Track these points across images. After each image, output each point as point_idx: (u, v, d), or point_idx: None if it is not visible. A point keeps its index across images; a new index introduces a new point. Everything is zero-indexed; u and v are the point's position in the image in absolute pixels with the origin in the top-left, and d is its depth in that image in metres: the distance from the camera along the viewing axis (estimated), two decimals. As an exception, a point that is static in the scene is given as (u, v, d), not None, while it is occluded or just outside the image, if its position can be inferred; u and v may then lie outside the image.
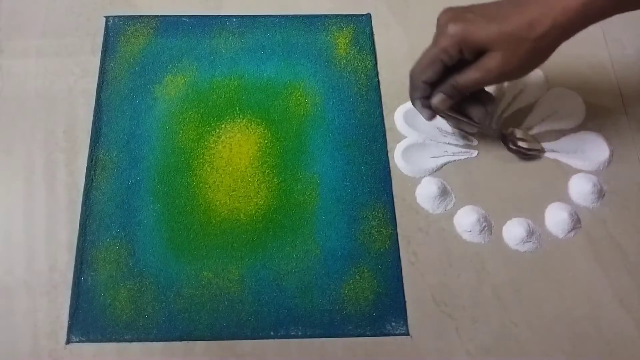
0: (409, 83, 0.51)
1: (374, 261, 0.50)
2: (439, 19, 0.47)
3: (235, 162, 0.54)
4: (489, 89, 0.52)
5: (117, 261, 0.50)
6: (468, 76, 0.47)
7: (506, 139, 0.54)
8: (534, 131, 0.56)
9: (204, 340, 0.48)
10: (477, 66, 0.46)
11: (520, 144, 0.54)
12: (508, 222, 0.52)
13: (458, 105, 0.50)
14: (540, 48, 0.44)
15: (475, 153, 0.55)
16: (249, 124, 0.56)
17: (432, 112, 0.51)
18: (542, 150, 0.55)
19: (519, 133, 0.55)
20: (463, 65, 0.47)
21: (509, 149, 0.54)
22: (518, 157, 0.55)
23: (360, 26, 0.61)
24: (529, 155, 0.54)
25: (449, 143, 0.56)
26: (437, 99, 0.49)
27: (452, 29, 0.45)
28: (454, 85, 0.47)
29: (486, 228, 0.51)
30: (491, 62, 0.45)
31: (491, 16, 0.45)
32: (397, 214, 0.52)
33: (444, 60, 0.47)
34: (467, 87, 0.47)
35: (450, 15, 0.46)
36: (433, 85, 0.49)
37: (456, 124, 0.54)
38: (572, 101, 0.57)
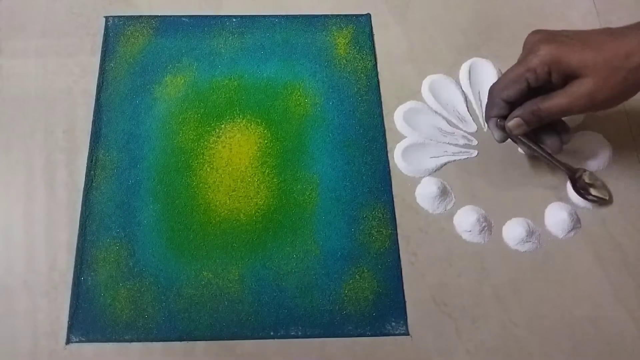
0: (487, 99, 0.49)
1: (374, 261, 0.50)
2: (527, 39, 0.46)
3: (235, 162, 0.54)
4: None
5: (117, 261, 0.50)
6: (553, 102, 0.45)
7: (575, 181, 0.52)
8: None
9: (204, 340, 0.48)
10: (566, 92, 0.44)
11: (591, 190, 0.52)
12: (508, 222, 0.52)
13: (533, 132, 0.49)
14: (634, 80, 0.43)
15: (475, 153, 0.55)
16: (249, 124, 0.56)
17: (505, 135, 0.49)
18: (610, 201, 0.53)
19: (587, 177, 0.52)
20: (545, 91, 0.45)
21: (576, 191, 0.52)
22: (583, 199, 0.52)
23: (360, 26, 0.61)
24: (598, 202, 0.52)
25: (448, 143, 0.56)
26: (513, 123, 0.47)
27: (545, 49, 0.44)
28: (535, 110, 0.46)
29: (486, 228, 0.51)
30: (581, 88, 0.43)
31: (586, 42, 0.43)
32: (397, 214, 0.52)
33: (530, 80, 0.45)
34: (550, 114, 0.46)
35: (543, 35, 0.45)
36: (511, 106, 0.48)
37: (528, 151, 0.52)
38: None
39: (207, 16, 0.61)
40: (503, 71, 0.51)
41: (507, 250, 0.51)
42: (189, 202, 0.52)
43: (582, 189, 0.52)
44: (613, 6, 0.63)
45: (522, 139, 0.49)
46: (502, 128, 0.49)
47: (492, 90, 0.49)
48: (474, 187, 0.54)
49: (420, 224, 0.52)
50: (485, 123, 0.54)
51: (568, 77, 0.44)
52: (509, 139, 0.50)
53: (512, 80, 0.47)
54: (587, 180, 0.52)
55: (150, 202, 0.52)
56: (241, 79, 0.58)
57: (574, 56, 0.43)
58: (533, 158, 0.54)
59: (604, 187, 0.53)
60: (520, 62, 0.46)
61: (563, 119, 0.50)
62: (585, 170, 0.53)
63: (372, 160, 0.54)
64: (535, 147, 0.50)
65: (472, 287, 0.50)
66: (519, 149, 0.54)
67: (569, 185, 0.53)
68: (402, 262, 0.50)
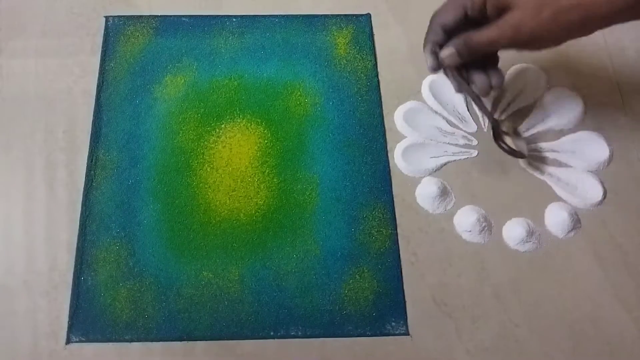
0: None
1: (374, 261, 0.50)
2: None
3: (235, 162, 0.54)
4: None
5: (117, 261, 0.50)
6: (483, 32, 0.45)
7: (495, 131, 0.53)
8: (534, 131, 0.56)
9: (204, 340, 0.48)
10: (496, 23, 0.45)
11: (506, 139, 0.52)
12: (508, 222, 0.52)
13: (466, 69, 0.49)
14: (565, 21, 0.42)
15: (475, 153, 0.55)
16: (249, 124, 0.56)
17: (437, 63, 0.49)
18: (523, 156, 0.52)
19: (505, 126, 0.53)
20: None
21: (495, 137, 0.53)
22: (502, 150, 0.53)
23: (360, 26, 0.61)
24: (510, 154, 0.52)
25: (448, 143, 0.56)
26: (446, 51, 0.48)
27: None
28: (467, 41, 0.46)
29: (486, 228, 0.51)
30: (509, 19, 0.44)
31: None
32: (397, 214, 0.52)
33: (467, 8, 0.46)
34: (480, 45, 0.46)
35: None
36: (448, 35, 0.48)
37: (458, 87, 0.51)
38: (572, 101, 0.57)
39: (207, 16, 0.61)
40: (503, 71, 0.51)
41: (507, 250, 0.51)
42: (189, 202, 0.52)
43: (498, 137, 0.52)
44: None
45: (452, 73, 0.49)
46: (436, 56, 0.49)
47: (432, 17, 0.49)
48: (474, 187, 0.54)
49: (420, 224, 0.52)
50: (486, 122, 0.54)
51: (501, 11, 0.45)
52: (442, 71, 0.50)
53: (450, 7, 0.47)
54: (504, 129, 0.53)
55: (150, 202, 0.52)
56: (241, 78, 0.58)
57: None
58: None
59: (522, 141, 0.53)
60: None
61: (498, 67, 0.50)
62: (507, 122, 0.53)
63: (372, 160, 0.54)
64: (463, 84, 0.50)
65: (472, 287, 0.50)
66: (452, 85, 0.52)
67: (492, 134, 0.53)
68: (402, 262, 0.50)
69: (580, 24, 0.42)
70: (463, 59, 0.47)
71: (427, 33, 0.49)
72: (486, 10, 0.45)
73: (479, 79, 0.49)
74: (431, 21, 0.49)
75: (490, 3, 0.45)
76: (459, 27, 0.47)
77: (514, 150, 0.52)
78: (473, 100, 0.51)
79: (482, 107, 0.51)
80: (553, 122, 0.56)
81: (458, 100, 0.57)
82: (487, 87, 0.49)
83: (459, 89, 0.51)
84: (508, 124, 0.53)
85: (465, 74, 0.50)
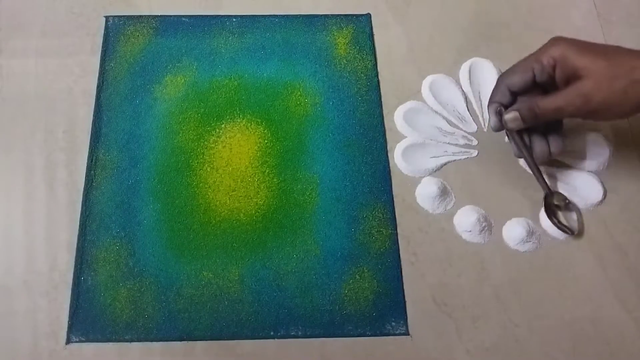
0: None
1: (374, 261, 0.50)
2: (552, 38, 0.47)
3: (235, 162, 0.54)
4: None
5: (117, 261, 0.50)
6: (551, 99, 0.45)
7: (548, 205, 0.51)
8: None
9: (204, 340, 0.48)
10: (564, 91, 0.44)
11: (558, 215, 0.52)
12: (508, 222, 0.52)
13: (528, 133, 0.49)
14: (630, 95, 0.42)
15: (475, 153, 0.55)
16: (249, 124, 0.56)
17: (500, 125, 0.49)
18: (573, 233, 0.51)
19: (556, 199, 0.51)
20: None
21: (546, 211, 0.51)
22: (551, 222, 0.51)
23: (360, 26, 0.61)
24: (560, 229, 0.51)
25: (449, 143, 0.56)
26: (510, 115, 0.48)
27: (558, 45, 0.45)
28: (533, 106, 0.46)
29: (486, 228, 0.51)
30: (579, 88, 0.43)
31: (598, 50, 0.44)
32: (397, 214, 0.52)
33: (536, 71, 0.46)
34: (546, 112, 0.46)
35: (565, 38, 0.46)
36: (515, 97, 0.49)
37: (517, 152, 0.51)
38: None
39: (207, 16, 0.61)
40: (503, 71, 0.52)
41: (507, 250, 0.51)
42: (189, 202, 0.52)
43: (550, 211, 0.51)
44: (613, 6, 0.63)
45: (514, 136, 0.50)
46: (500, 117, 0.49)
47: (500, 76, 0.50)
48: (474, 187, 0.54)
49: (421, 224, 0.52)
50: (487, 118, 0.55)
51: (571, 78, 0.45)
52: (504, 132, 0.51)
53: (519, 69, 0.47)
54: (555, 202, 0.51)
55: (150, 202, 0.52)
56: (241, 79, 0.58)
57: (580, 58, 0.43)
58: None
59: (575, 218, 0.52)
60: (532, 53, 0.47)
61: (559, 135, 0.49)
62: (560, 194, 0.52)
63: (372, 160, 0.54)
64: (522, 149, 0.50)
65: (472, 287, 0.50)
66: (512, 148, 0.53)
67: (543, 206, 0.52)
68: (402, 262, 0.50)
69: None
70: (527, 124, 0.47)
71: (493, 92, 0.50)
72: (555, 77, 0.45)
73: (538, 146, 0.49)
74: (498, 80, 0.50)
75: (560, 70, 0.44)
76: (526, 90, 0.48)
77: (564, 226, 0.51)
78: (529, 166, 0.51)
79: (538, 176, 0.51)
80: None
81: (458, 100, 0.57)
82: (546, 155, 0.49)
83: (519, 154, 0.51)
84: (558, 196, 0.52)
85: (527, 138, 0.50)
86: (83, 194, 0.52)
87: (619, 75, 0.42)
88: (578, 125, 0.56)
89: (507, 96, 0.49)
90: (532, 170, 0.52)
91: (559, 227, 0.51)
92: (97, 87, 0.57)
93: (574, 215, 0.52)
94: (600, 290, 0.50)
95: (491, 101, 0.50)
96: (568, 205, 0.52)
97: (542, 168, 0.52)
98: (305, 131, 0.56)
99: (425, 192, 0.52)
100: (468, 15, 0.62)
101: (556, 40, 0.46)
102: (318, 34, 0.61)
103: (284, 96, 0.57)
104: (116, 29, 0.60)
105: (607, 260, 0.51)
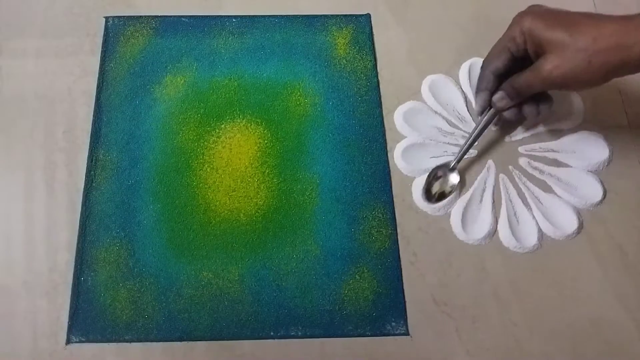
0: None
1: (374, 261, 0.50)
2: (523, 10, 0.47)
3: (235, 162, 0.54)
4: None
5: (117, 261, 0.50)
6: (524, 76, 0.46)
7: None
8: (535, 131, 0.56)
9: (204, 340, 0.48)
10: (533, 67, 0.45)
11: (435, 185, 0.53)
12: (508, 222, 0.52)
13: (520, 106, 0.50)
14: (599, 65, 0.42)
15: (475, 153, 0.55)
16: (249, 124, 0.56)
17: (484, 107, 0.51)
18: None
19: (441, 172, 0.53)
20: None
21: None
22: None
23: (360, 26, 0.61)
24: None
25: (448, 143, 0.56)
26: (497, 96, 0.49)
27: (527, 20, 0.45)
28: (512, 84, 0.47)
29: (486, 228, 0.51)
30: (544, 64, 0.44)
31: (564, 21, 0.44)
32: (396, 214, 0.52)
33: (512, 50, 0.46)
34: (522, 88, 0.47)
35: (535, 9, 0.46)
36: (500, 80, 0.49)
37: (479, 111, 0.53)
38: (572, 101, 0.57)
39: (207, 16, 0.61)
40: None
41: (507, 251, 0.51)
42: (189, 202, 0.52)
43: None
44: (613, 6, 0.63)
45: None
46: (487, 102, 0.51)
47: (482, 64, 0.51)
48: (474, 187, 0.54)
49: (420, 224, 0.52)
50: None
51: (539, 52, 0.45)
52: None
53: (497, 51, 0.48)
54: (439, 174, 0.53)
55: (150, 202, 0.52)
56: (241, 79, 0.58)
57: (546, 32, 0.44)
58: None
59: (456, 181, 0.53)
60: (505, 32, 0.48)
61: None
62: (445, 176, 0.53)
63: (372, 160, 0.54)
64: (482, 121, 0.51)
65: (472, 287, 0.50)
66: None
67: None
68: (402, 262, 0.50)
69: (616, 67, 0.42)
70: (513, 101, 0.48)
71: (479, 80, 0.51)
72: (527, 51, 0.46)
73: (528, 108, 0.50)
74: (482, 69, 0.50)
75: (531, 44, 0.45)
76: (512, 71, 0.48)
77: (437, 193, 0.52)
78: (470, 136, 0.52)
79: (464, 149, 0.52)
80: (553, 122, 0.56)
81: (458, 100, 0.57)
82: (534, 114, 0.50)
83: (479, 113, 0.53)
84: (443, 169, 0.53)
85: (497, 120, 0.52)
86: (83, 194, 0.52)
87: (581, 47, 0.42)
88: (577, 126, 0.56)
89: (492, 81, 0.50)
90: (466, 141, 0.52)
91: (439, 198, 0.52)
92: (97, 87, 0.57)
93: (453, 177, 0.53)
94: (600, 290, 0.50)
95: (478, 89, 0.51)
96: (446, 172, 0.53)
97: (542, 168, 0.52)
98: (305, 131, 0.56)
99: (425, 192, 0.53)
100: (468, 15, 0.62)
101: (524, 14, 0.46)
102: (318, 34, 0.61)
103: (283, 96, 0.57)
104: (116, 30, 0.60)
105: (607, 260, 0.51)
